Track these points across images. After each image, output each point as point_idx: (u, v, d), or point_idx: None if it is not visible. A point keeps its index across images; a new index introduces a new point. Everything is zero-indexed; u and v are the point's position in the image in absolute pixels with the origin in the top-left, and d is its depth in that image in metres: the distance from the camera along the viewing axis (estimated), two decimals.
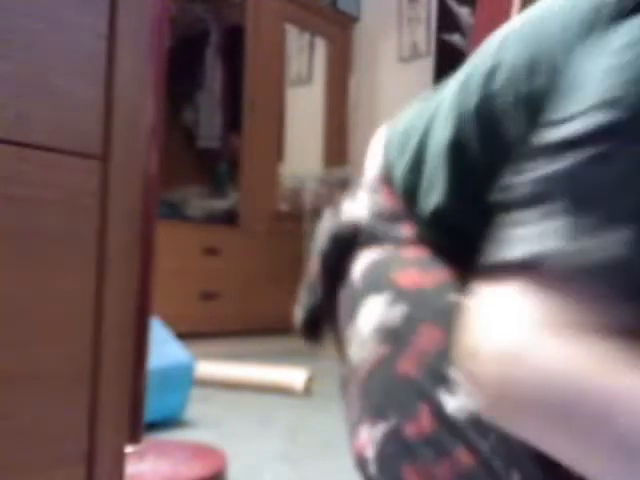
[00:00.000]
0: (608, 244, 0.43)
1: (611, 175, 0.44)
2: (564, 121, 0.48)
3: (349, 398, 0.66)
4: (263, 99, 3.42)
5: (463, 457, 0.53)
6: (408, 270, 0.66)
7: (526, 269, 0.45)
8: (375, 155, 0.79)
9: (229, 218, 3.36)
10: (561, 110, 0.50)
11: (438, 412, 0.55)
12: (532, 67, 0.57)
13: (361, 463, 0.60)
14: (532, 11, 0.63)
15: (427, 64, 3.69)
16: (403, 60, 3.83)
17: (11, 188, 0.49)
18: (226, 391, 2.34)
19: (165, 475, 1.33)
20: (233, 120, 3.58)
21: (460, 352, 0.48)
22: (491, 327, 0.46)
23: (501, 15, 2.09)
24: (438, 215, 0.67)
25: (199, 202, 3.44)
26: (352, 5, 3.97)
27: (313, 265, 0.78)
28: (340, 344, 0.72)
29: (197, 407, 2.00)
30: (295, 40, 3.99)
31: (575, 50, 0.52)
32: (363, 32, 4.00)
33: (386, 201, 0.72)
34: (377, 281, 0.67)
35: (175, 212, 3.19)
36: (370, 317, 0.65)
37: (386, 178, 0.74)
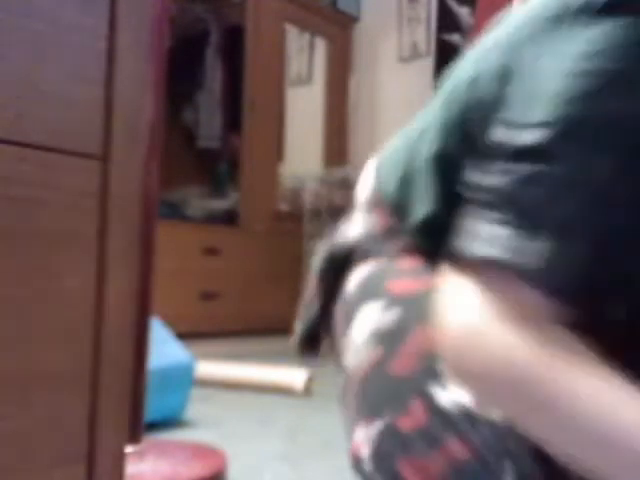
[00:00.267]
0: (538, 253, 0.51)
1: (540, 193, 0.51)
2: (515, 127, 0.54)
3: (347, 405, 0.67)
4: (263, 99, 3.42)
5: (456, 448, 0.54)
6: (401, 278, 0.68)
7: (481, 266, 0.53)
8: (366, 180, 0.81)
9: (229, 218, 3.36)
10: (516, 111, 0.54)
11: (431, 405, 0.56)
12: (504, 73, 0.58)
13: (357, 463, 0.60)
14: (509, 16, 0.64)
15: (427, 64, 3.69)
16: (403, 60, 3.83)
17: (11, 188, 0.49)
18: (226, 391, 2.34)
19: (165, 475, 1.33)
20: (233, 120, 3.58)
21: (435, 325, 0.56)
22: (453, 310, 0.54)
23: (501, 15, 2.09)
24: (428, 224, 0.68)
25: (199, 202, 3.44)
26: (352, 5, 3.97)
27: (310, 285, 0.80)
28: (337, 356, 0.74)
29: (197, 407, 2.00)
30: (295, 40, 3.99)
31: (542, 44, 0.55)
32: (363, 32, 4.00)
33: (379, 221, 0.75)
34: (372, 290, 0.68)
35: (175, 212, 3.19)
36: (365, 324, 0.66)
37: (378, 200, 0.76)
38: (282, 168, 3.68)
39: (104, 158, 0.55)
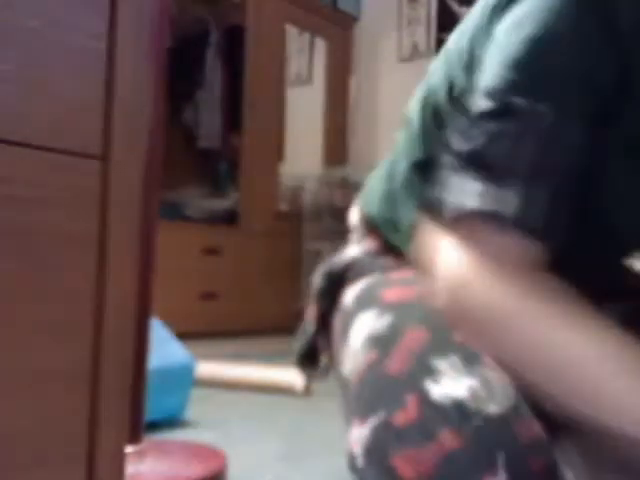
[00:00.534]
0: (510, 199, 0.57)
1: (502, 148, 0.59)
2: (474, 95, 0.62)
3: (346, 408, 0.68)
4: (263, 99, 3.42)
5: (448, 440, 0.54)
6: (392, 288, 0.72)
7: (462, 219, 0.59)
8: (355, 209, 0.87)
9: (229, 218, 3.36)
10: (474, 82, 0.63)
11: (424, 399, 0.57)
12: (466, 71, 0.66)
13: (351, 461, 0.61)
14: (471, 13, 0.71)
15: (427, 64, 3.68)
16: (403, 60, 3.84)
17: (11, 188, 0.49)
18: (226, 391, 2.34)
19: (165, 475, 1.33)
20: (233, 120, 3.58)
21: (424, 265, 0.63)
22: (443, 266, 0.60)
23: None
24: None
25: (199, 202, 3.44)
26: (352, 5, 3.97)
27: (310, 304, 0.84)
28: (336, 368, 0.76)
29: (197, 407, 2.00)
30: (295, 40, 3.99)
31: (488, 32, 0.64)
32: (363, 32, 4.00)
33: (372, 242, 0.80)
34: (366, 301, 0.72)
35: (175, 212, 3.19)
36: (361, 331, 0.69)
37: (366, 222, 0.82)
38: (282, 168, 3.68)
39: (104, 158, 0.55)
